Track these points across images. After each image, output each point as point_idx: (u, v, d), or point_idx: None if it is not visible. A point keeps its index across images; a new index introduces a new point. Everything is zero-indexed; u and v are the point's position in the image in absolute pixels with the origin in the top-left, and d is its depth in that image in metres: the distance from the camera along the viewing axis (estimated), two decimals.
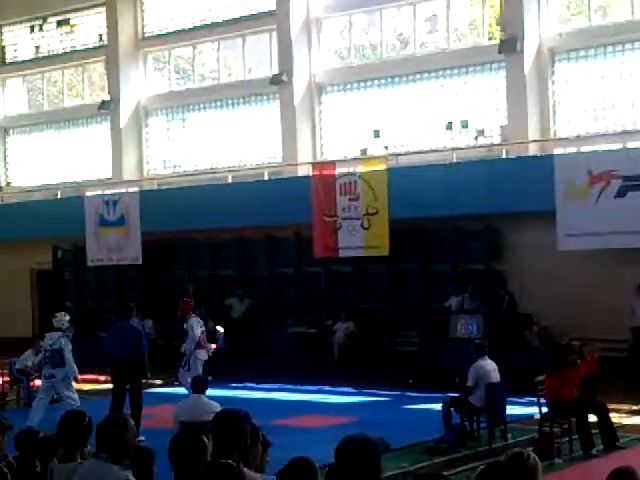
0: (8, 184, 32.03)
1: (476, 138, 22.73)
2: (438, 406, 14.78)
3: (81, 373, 19.53)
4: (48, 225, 26.90)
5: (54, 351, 15.91)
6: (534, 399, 13.95)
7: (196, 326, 17.48)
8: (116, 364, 15.71)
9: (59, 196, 29.00)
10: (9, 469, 7.34)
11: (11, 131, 32.18)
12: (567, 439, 13.15)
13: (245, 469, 5.65)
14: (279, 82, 24.91)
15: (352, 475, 4.79)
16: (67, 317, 16.59)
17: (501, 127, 22.38)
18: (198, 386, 12.27)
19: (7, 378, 19.55)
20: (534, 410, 14.11)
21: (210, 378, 14.19)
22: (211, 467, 5.46)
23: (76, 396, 16.00)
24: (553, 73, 21.80)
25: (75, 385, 16.42)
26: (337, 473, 4.89)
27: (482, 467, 5.18)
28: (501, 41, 21.85)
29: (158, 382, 21.17)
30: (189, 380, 15.84)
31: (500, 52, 21.68)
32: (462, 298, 20.66)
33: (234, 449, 5.98)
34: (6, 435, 7.93)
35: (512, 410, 14.85)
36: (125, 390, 15.60)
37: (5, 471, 7.27)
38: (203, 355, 17.49)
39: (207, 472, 5.39)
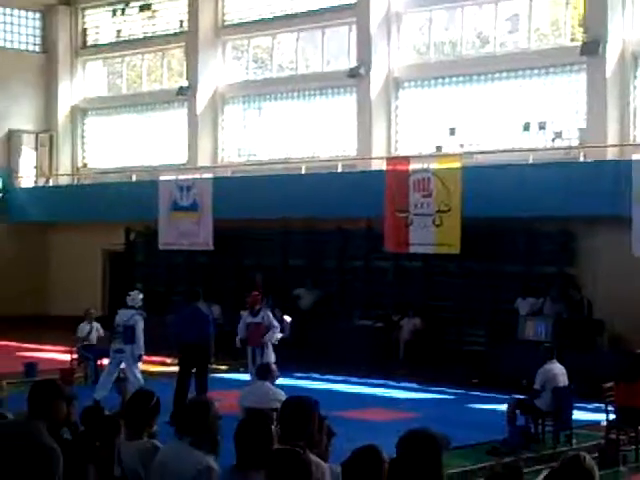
0: (85, 165, 32.47)
1: (553, 140, 22.47)
2: (502, 407, 14.70)
3: (148, 355, 19.84)
4: (122, 207, 27.22)
5: (127, 327, 16.23)
6: (601, 405, 13.79)
7: (271, 314, 17.60)
8: (183, 348, 15.83)
9: (134, 179, 29.35)
10: (73, 440, 7.40)
11: (90, 113, 32.59)
12: (634, 447, 12.98)
13: (312, 456, 5.65)
14: (357, 75, 24.87)
15: (413, 468, 4.80)
16: (141, 296, 16.90)
17: (579, 130, 22.09)
18: (263, 373, 12.32)
19: (75, 355, 19.82)
20: (601, 417, 13.95)
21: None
22: (278, 453, 5.47)
23: (140, 376, 16.20)
24: (635, 77, 21.46)
25: (140, 366, 16.65)
26: (398, 465, 4.89)
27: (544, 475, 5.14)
28: (583, 43, 21.53)
29: (224, 368, 21.34)
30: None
31: (582, 54, 21.36)
32: (536, 300, 20.41)
33: (302, 435, 6.00)
34: (73, 406, 7.94)
35: (578, 415, 14.70)
36: (191, 374, 15.72)
37: (67, 438, 7.36)
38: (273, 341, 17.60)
39: (274, 458, 5.39)
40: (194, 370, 15.75)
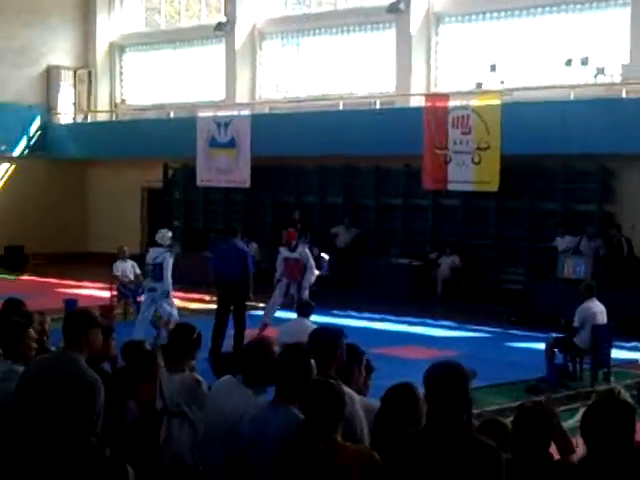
0: (123, 102, 32.43)
1: (596, 76, 22.10)
2: (540, 345, 14.66)
3: (187, 292, 19.99)
4: (160, 144, 27.22)
5: (156, 265, 16.27)
6: None
7: (309, 251, 17.67)
8: (222, 284, 15.87)
9: (172, 116, 29.31)
10: (113, 373, 7.47)
11: (127, 49, 32.49)
12: None
13: (345, 387, 5.67)
14: (396, 10, 24.55)
15: (441, 398, 4.83)
16: (170, 234, 16.81)
17: (622, 66, 21.69)
18: (303, 310, 12.35)
19: (115, 292, 19.96)
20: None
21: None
22: (312, 384, 5.49)
23: (175, 311, 16.31)
24: None
25: (175, 302, 16.76)
26: (428, 396, 4.96)
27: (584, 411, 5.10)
28: None
29: (262, 305, 21.42)
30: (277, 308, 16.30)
31: None
32: (576, 238, 20.23)
33: (329, 364, 6.03)
34: (112, 338, 7.99)
35: (617, 354, 14.64)
36: (229, 311, 15.76)
37: (107, 371, 7.43)
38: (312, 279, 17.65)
39: (308, 389, 5.41)
40: (232, 307, 15.79)
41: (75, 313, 6.64)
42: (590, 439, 4.73)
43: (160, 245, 16.54)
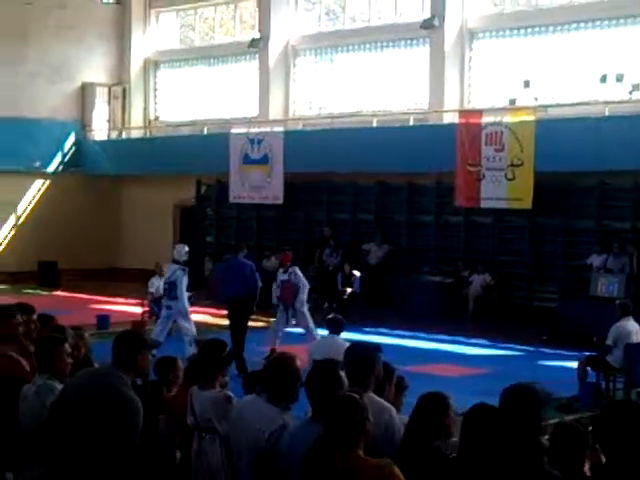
0: (157, 118, 32.63)
1: (631, 92, 21.95)
2: (573, 364, 14.54)
3: (218, 308, 19.98)
4: (193, 160, 27.33)
5: (171, 283, 16.43)
6: None
7: (301, 273, 17.37)
8: (228, 300, 16.00)
9: (205, 132, 29.42)
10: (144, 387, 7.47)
11: (162, 65, 32.69)
12: None
13: (377, 399, 5.66)
14: (430, 26, 24.55)
15: (515, 419, 4.89)
16: (186, 249, 16.95)
17: None
18: (334, 327, 12.30)
19: (147, 308, 20.01)
20: None
21: None
22: (335, 398, 5.49)
23: (193, 328, 16.38)
24: None
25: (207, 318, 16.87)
26: (501, 416, 4.98)
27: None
28: None
29: (292, 322, 21.38)
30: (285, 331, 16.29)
31: None
32: (606, 256, 20.10)
33: (368, 378, 6.02)
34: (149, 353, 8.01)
35: None
36: (245, 324, 15.91)
37: (139, 384, 7.43)
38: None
39: (333, 405, 5.41)
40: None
41: (127, 334, 6.64)
42: (605, 444, 4.66)
43: (176, 261, 16.63)
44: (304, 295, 17.27)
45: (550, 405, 12.98)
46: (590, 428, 5.07)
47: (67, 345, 7.04)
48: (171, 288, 16.41)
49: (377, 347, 6.49)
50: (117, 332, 6.66)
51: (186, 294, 16.52)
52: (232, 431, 6.38)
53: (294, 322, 17.44)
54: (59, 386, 6.61)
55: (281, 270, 17.63)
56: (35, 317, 8.69)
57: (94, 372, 6.66)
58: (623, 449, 4.55)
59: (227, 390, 7.23)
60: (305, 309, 17.27)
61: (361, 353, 6.37)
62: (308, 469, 5.26)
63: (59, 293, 26.92)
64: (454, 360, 17.23)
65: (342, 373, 5.85)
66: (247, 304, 15.85)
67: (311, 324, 17.14)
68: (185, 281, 16.36)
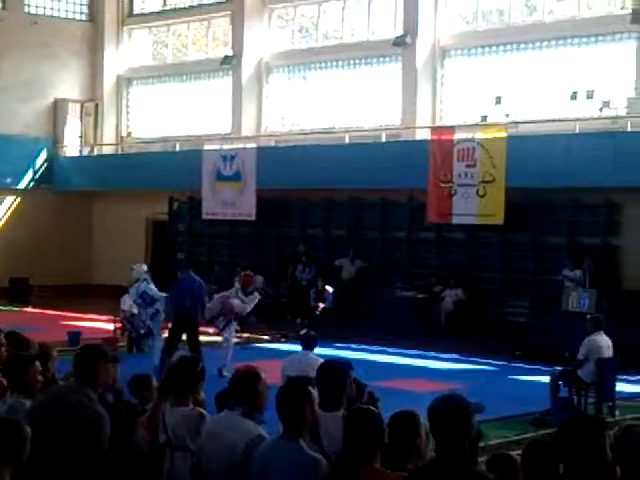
0: (129, 135, 32.57)
1: (601, 109, 22.15)
2: (545, 379, 14.60)
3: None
4: (165, 177, 27.32)
5: (142, 294, 17.04)
6: None
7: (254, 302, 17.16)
8: (176, 315, 16.11)
9: (178, 149, 29.40)
10: (116, 404, 7.43)
11: (135, 82, 32.65)
12: None
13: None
14: (402, 44, 24.69)
15: (443, 431, 4.80)
16: (144, 267, 17.69)
17: (628, 99, 21.76)
18: (307, 342, 12.28)
19: (119, 325, 19.95)
20: None
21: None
22: (351, 412, 5.48)
23: (161, 337, 16.69)
24: None
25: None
26: (431, 429, 4.93)
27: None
28: (633, 11, 21.21)
29: (266, 338, 21.40)
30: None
31: (632, 22, 21.03)
32: (577, 272, 20.24)
33: (340, 396, 6.03)
34: (115, 368, 7.99)
35: (622, 387, 14.58)
36: (179, 340, 16.09)
37: (110, 402, 7.39)
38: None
39: (348, 418, 5.48)
40: (184, 338, 16.20)
41: (87, 347, 6.64)
42: (565, 460, 4.69)
43: (137, 280, 17.30)
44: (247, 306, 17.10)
45: (520, 420, 13.06)
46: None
47: (37, 363, 7.01)
48: (144, 297, 16.95)
49: (348, 364, 6.50)
50: None
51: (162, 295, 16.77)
52: (205, 447, 6.35)
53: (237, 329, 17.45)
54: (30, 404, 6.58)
55: (236, 290, 16.99)
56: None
57: (58, 390, 6.62)
58: (582, 464, 4.59)
59: (204, 407, 7.22)
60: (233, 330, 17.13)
61: (333, 371, 6.38)
62: None
63: (30, 309, 26.75)
64: (426, 375, 17.24)
65: (313, 390, 5.83)
66: (193, 319, 16.03)
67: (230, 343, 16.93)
68: (152, 285, 16.93)
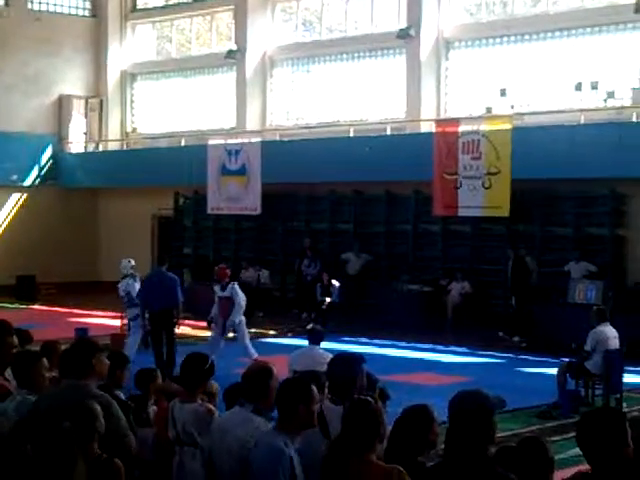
0: (134, 130, 32.58)
1: (606, 100, 22.11)
2: (552, 371, 14.59)
3: (196, 320, 19.96)
4: (171, 172, 27.31)
5: (127, 294, 17.26)
6: None
7: (240, 292, 16.93)
8: (153, 313, 16.03)
9: (183, 144, 29.40)
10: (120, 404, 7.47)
11: (139, 77, 32.66)
12: None
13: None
14: (406, 36, 24.65)
15: (465, 428, 4.75)
16: (131, 263, 17.76)
17: (632, 89, 21.70)
18: (314, 337, 12.29)
19: (125, 321, 19.96)
20: None
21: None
22: (352, 404, 5.50)
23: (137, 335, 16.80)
24: None
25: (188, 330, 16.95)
26: (450, 426, 4.87)
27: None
28: (637, 1, 21.14)
29: (271, 332, 21.42)
30: (222, 346, 16.26)
31: (636, 12, 20.97)
32: (583, 264, 20.24)
33: (351, 390, 6.02)
34: (126, 370, 8.15)
35: (629, 379, 14.57)
36: (162, 339, 15.91)
37: (123, 399, 7.44)
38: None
39: (346, 409, 5.47)
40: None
41: (79, 342, 6.71)
42: (587, 451, 4.67)
43: (125, 276, 17.54)
44: (239, 313, 16.78)
45: (527, 413, 13.07)
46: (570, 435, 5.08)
47: (44, 360, 7.04)
48: (128, 299, 17.25)
49: (361, 358, 6.48)
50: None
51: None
52: (215, 443, 6.36)
53: (231, 334, 17.12)
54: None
55: (218, 286, 16.95)
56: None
57: (60, 386, 6.65)
58: (606, 456, 4.57)
59: (216, 400, 7.24)
60: (243, 326, 16.85)
61: (345, 364, 6.37)
62: (323, 472, 5.27)
63: (37, 307, 26.79)
64: (434, 369, 17.26)
65: (313, 387, 5.80)
66: (168, 317, 15.87)
67: (247, 341, 16.77)
68: (136, 287, 16.87)
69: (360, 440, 5.22)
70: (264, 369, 6.30)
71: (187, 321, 20.38)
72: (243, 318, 16.87)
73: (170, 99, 31.50)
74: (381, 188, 24.27)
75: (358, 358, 6.48)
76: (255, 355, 16.18)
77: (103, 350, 6.62)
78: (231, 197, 26.26)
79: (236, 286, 16.87)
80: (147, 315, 16.14)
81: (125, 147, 32.50)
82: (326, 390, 6.45)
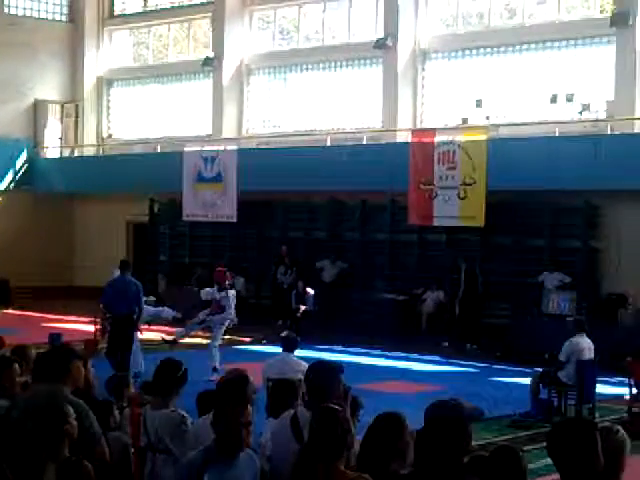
0: (110, 136, 32.50)
1: (581, 112, 22.26)
2: (525, 380, 14.68)
3: (171, 325, 19.93)
4: (146, 178, 27.25)
5: None
6: (625, 379, 13.72)
7: (232, 300, 17.13)
8: (115, 318, 16.00)
9: (158, 150, 29.33)
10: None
11: (115, 83, 32.58)
12: None
13: None
14: (383, 46, 24.72)
15: (439, 438, 4.75)
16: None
17: (607, 102, 21.86)
18: (288, 344, 12.29)
19: (99, 326, 19.88)
20: (624, 391, 13.88)
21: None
22: (320, 411, 5.48)
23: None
24: None
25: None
26: (425, 435, 4.86)
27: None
28: (613, 14, 21.33)
29: (247, 340, 21.40)
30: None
31: (611, 25, 21.13)
32: (557, 275, 20.37)
33: (329, 399, 6.01)
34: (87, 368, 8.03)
35: (602, 389, 14.65)
36: (119, 342, 15.93)
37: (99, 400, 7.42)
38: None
39: (316, 417, 5.42)
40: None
41: (57, 348, 6.67)
42: (556, 459, 4.68)
43: None
44: (225, 319, 17.04)
45: (500, 422, 13.11)
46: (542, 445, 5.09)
47: (16, 365, 7.01)
48: None
49: (339, 367, 6.47)
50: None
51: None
52: (189, 451, 6.34)
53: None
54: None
55: (216, 288, 17.15)
56: None
57: (34, 391, 6.63)
58: (576, 466, 4.59)
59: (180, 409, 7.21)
60: (220, 331, 17.07)
61: (324, 372, 6.35)
62: (293, 478, 5.27)
63: (11, 311, 26.64)
64: (408, 377, 17.30)
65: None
66: (129, 323, 15.87)
67: (216, 344, 16.90)
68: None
69: (327, 448, 5.20)
70: (241, 377, 6.30)
71: (162, 327, 20.39)
72: (226, 324, 16.96)
73: (146, 105, 31.44)
74: (357, 197, 24.30)
75: (337, 367, 6.47)
76: (215, 364, 16.18)
77: (81, 358, 6.57)
78: (207, 204, 26.21)
79: (230, 294, 17.00)
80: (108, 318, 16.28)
81: (101, 153, 32.39)
82: (299, 398, 6.45)
